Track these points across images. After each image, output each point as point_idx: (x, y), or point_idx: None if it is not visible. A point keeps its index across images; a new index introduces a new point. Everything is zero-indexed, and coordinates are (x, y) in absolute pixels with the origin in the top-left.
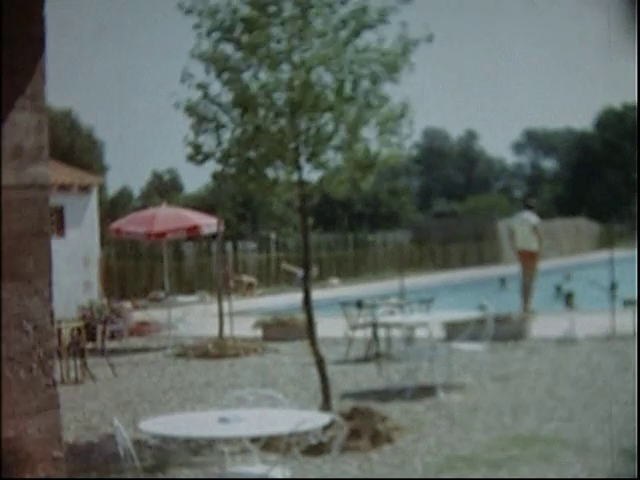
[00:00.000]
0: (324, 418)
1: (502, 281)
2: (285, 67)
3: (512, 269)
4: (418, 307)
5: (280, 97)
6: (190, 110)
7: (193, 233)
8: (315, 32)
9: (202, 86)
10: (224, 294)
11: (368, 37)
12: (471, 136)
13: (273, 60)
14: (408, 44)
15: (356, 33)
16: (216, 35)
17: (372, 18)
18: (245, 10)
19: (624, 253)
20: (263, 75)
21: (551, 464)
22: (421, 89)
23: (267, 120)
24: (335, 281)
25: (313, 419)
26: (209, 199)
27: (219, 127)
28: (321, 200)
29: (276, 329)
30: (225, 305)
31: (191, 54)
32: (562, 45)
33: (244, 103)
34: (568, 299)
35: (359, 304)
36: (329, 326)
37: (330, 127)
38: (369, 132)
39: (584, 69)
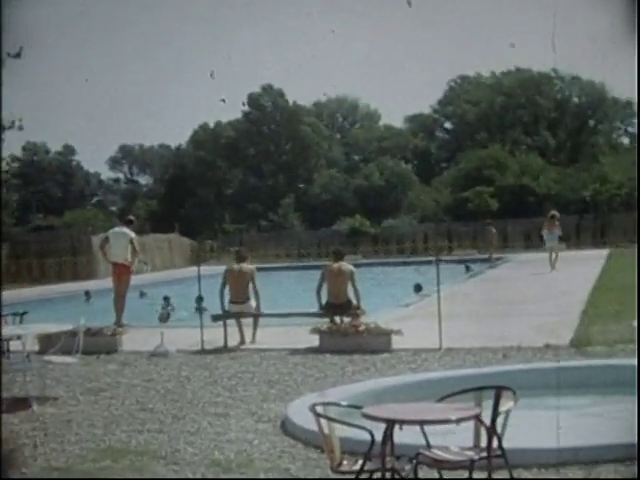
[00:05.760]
0: None
1: (87, 294)
2: None
3: (107, 283)
4: (12, 320)
5: None
6: None
7: None
8: None
9: None
10: None
11: None
12: (69, 151)
13: None
14: None
15: None
16: None
17: None
18: None
19: (215, 268)
20: None
21: (142, 475)
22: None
23: None
24: None
25: None
26: None
27: None
28: None
29: None
30: None
31: None
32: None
33: None
34: (161, 316)
35: None
36: None
37: None
38: None
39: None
